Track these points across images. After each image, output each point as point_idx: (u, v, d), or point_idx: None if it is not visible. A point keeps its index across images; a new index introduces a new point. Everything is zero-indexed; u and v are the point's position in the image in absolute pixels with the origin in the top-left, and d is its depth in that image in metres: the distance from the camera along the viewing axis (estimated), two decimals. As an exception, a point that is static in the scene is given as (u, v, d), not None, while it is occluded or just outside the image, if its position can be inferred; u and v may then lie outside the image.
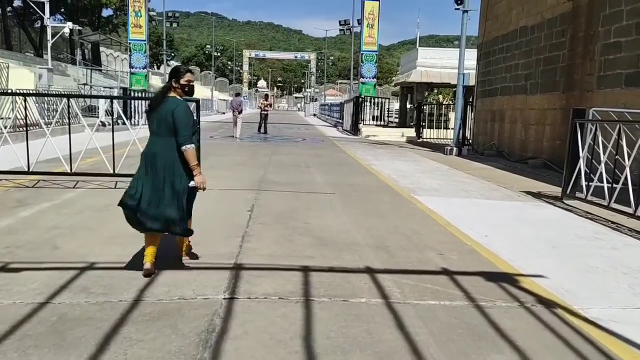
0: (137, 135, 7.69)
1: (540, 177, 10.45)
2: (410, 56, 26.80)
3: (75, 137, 7.85)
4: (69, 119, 8.09)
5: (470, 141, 16.53)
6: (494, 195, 8.21)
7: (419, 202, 7.23)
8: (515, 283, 3.94)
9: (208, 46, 72.24)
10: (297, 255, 4.46)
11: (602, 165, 7.00)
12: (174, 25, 35.23)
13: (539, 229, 5.88)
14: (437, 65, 24.22)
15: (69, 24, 21.75)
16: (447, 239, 5.23)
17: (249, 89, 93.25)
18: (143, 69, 25.35)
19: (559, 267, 4.43)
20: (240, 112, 17.67)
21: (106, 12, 50.87)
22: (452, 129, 22.65)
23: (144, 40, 25.12)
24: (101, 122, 19.77)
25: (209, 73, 76.20)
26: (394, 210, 6.60)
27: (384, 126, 24.49)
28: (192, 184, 3.79)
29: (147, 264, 3.73)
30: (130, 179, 4.00)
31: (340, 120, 29.49)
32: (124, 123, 22.35)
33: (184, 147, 3.64)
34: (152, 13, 33.96)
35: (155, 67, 74.04)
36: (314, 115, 55.21)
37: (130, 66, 25.20)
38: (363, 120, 23.65)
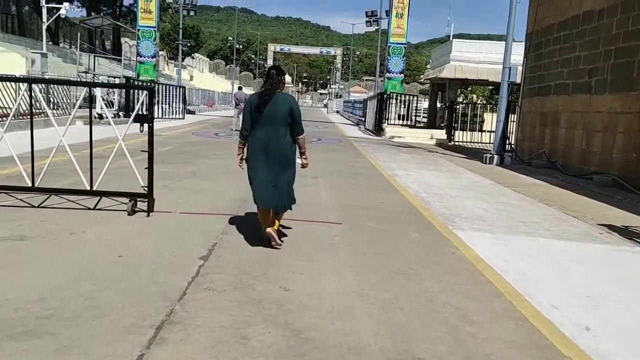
0: (127, 129, 5.63)
1: (616, 201, 8.05)
2: (443, 49, 24.24)
3: (61, 130, 5.85)
4: (30, 109, 5.97)
5: (513, 148, 14.08)
6: (565, 231, 5.89)
7: (461, 243, 4.98)
8: None
9: (230, 38, 70.58)
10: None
11: None
12: (191, 13, 33.37)
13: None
14: (473, 59, 21.67)
15: (66, 5, 20.04)
16: (521, 335, 3.00)
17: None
18: (152, 58, 23.48)
19: None
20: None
21: (127, 1, 49.62)
22: (487, 131, 20.22)
23: (154, 27, 23.23)
24: (97, 114, 18.00)
25: (233, 66, 74.62)
26: (426, 260, 4.38)
27: (410, 126, 22.12)
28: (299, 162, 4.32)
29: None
30: None
31: (363, 119, 27.20)
32: (125, 115, 20.67)
33: (302, 136, 4.31)
34: (169, 0, 32.38)
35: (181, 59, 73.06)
36: (337, 112, 52.96)
37: (139, 54, 23.34)
38: (387, 119, 21.33)
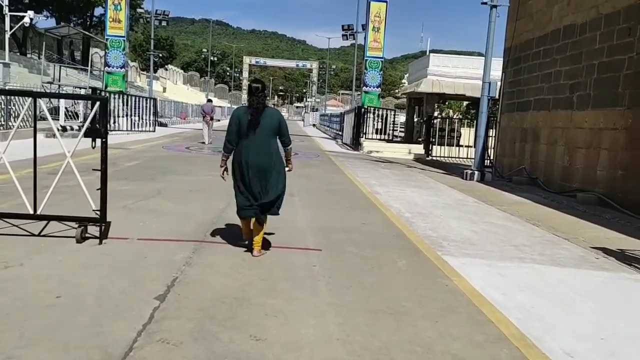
0: (77, 144, 5.00)
1: (604, 221, 7.73)
2: (420, 63, 24.13)
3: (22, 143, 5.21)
4: None
5: (493, 164, 13.83)
6: (559, 255, 5.48)
7: (453, 272, 4.51)
8: None
9: (204, 50, 69.83)
10: None
11: None
12: (163, 24, 32.64)
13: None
14: (450, 74, 21.56)
15: (30, 13, 19.10)
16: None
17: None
18: (121, 68, 22.63)
19: None
20: (211, 119, 17.95)
21: (99, 11, 48.43)
22: (465, 146, 20.05)
23: (123, 37, 22.43)
24: (61, 126, 17.09)
25: (207, 78, 73.81)
26: (417, 294, 3.87)
27: (388, 141, 21.83)
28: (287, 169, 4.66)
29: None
30: None
31: (340, 133, 26.84)
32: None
33: (290, 146, 4.71)
34: (141, 11, 31.52)
35: (153, 71, 71.73)
36: (313, 125, 52.64)
37: (107, 64, 22.46)
38: (365, 133, 20.99)
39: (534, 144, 11.92)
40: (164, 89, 64.06)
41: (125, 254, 4.35)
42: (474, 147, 20.26)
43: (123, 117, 22.10)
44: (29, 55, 39.02)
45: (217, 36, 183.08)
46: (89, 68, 20.66)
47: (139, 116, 24.14)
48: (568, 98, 10.57)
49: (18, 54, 36.73)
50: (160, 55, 49.19)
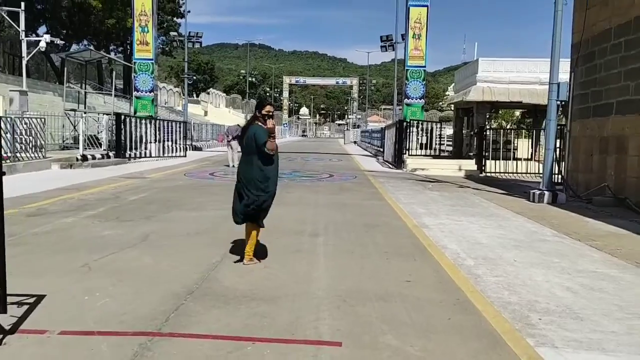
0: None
1: None
2: (468, 70, 21.92)
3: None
4: None
5: (565, 181, 11.59)
6: None
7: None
8: None
9: (242, 71, 69.84)
10: None
11: None
12: (196, 45, 32.00)
13: None
14: (502, 79, 19.28)
15: (46, 37, 18.47)
16: None
17: (289, 116, 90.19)
18: (150, 92, 21.74)
19: None
20: (235, 138, 16.03)
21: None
22: (522, 160, 17.73)
23: (152, 60, 21.56)
24: (82, 155, 16.06)
25: (248, 100, 73.70)
26: None
27: (434, 157, 19.73)
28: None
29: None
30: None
31: (381, 149, 24.94)
32: (117, 156, 18.78)
33: (265, 149, 4.59)
34: (173, 33, 31.04)
35: (194, 95, 72.35)
36: (355, 142, 50.92)
37: (135, 89, 21.65)
38: (408, 149, 19.00)
39: (620, 156, 9.67)
40: (205, 113, 64.16)
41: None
42: (537, 160, 18.00)
43: (153, 142, 21.17)
44: (70, 87, 39.56)
45: (259, 59, 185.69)
46: (112, 92, 19.82)
47: (173, 141, 23.25)
48: (666, 97, 8.35)
49: (57, 83, 37.14)
50: (195, 77, 49.01)
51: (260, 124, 4.66)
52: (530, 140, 20.28)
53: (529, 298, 4.17)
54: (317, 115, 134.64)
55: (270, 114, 4.67)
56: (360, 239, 6.31)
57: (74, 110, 18.07)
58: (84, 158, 15.69)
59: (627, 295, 4.33)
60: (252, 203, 4.69)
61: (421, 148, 20.24)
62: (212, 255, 5.23)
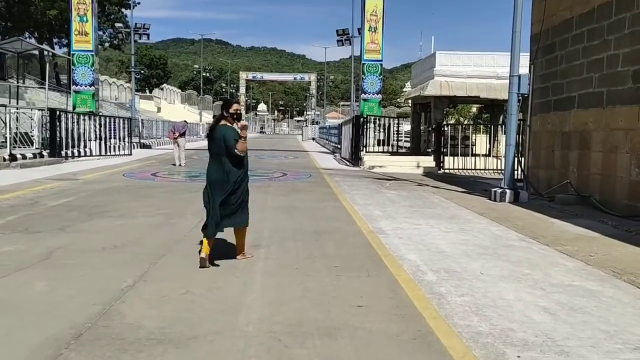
0: None
1: None
2: (425, 64, 21.46)
3: None
4: None
5: (525, 177, 11.16)
6: None
7: None
8: None
9: (196, 66, 67.88)
10: None
11: None
12: (143, 38, 30.33)
13: None
14: (461, 74, 18.91)
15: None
16: None
17: (246, 112, 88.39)
18: (90, 86, 20.18)
19: None
20: (182, 135, 16.00)
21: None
22: (480, 156, 17.41)
23: (91, 51, 20.02)
24: (10, 155, 14.53)
25: (203, 96, 71.70)
26: None
27: (392, 153, 19.18)
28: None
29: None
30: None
31: (339, 146, 24.25)
32: (51, 155, 17.25)
33: (235, 151, 4.50)
34: (118, 25, 29.26)
35: (147, 90, 69.64)
36: (313, 139, 50.14)
37: (74, 82, 20.08)
38: (366, 146, 18.37)
39: (583, 152, 9.27)
40: (159, 109, 61.86)
41: None
42: (494, 156, 17.71)
43: (95, 140, 19.71)
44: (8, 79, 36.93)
45: (216, 54, 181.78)
46: (46, 85, 18.15)
47: (118, 138, 21.81)
48: (630, 90, 7.94)
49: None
50: (144, 72, 46.99)
51: (227, 124, 4.59)
52: (487, 136, 20.06)
53: (503, 325, 3.47)
54: (276, 112, 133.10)
55: (239, 112, 4.64)
56: (308, 250, 5.50)
57: (4, 105, 16.41)
58: (13, 158, 14.22)
59: (613, 317, 3.70)
60: (231, 203, 4.64)
61: (379, 145, 19.64)
62: (125, 276, 4.29)
